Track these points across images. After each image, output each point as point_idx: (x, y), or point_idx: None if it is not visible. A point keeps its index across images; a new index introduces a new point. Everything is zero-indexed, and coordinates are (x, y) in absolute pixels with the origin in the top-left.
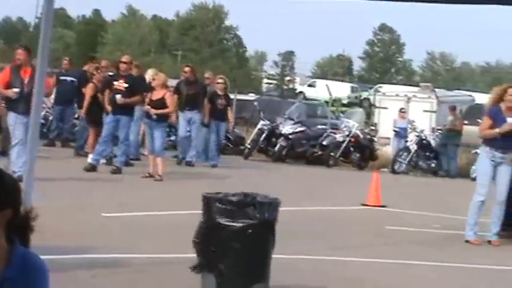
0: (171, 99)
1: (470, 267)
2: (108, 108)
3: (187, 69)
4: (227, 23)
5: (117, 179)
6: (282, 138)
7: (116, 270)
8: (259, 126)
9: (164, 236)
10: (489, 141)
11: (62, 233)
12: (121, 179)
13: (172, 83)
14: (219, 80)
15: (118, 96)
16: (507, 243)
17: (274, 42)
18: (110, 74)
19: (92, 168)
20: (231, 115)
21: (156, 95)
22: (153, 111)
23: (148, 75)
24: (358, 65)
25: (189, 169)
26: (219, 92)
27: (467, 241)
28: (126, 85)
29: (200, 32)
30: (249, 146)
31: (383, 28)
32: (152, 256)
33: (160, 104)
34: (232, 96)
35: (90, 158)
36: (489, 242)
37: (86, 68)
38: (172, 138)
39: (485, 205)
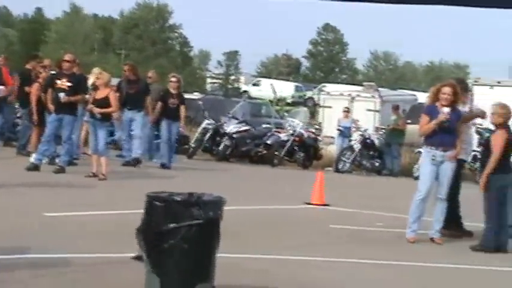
0: (114, 99)
1: (412, 265)
2: (51, 107)
3: (126, 67)
4: (171, 21)
5: (61, 178)
6: (226, 137)
7: (58, 270)
8: (203, 125)
9: (107, 235)
10: (430, 140)
11: (2, 233)
12: (64, 178)
13: (116, 82)
14: (172, 79)
15: (61, 95)
16: (450, 242)
17: (219, 41)
18: (53, 72)
19: (35, 167)
20: (183, 114)
21: (100, 94)
22: (96, 110)
23: (93, 74)
24: (302, 65)
25: (133, 168)
26: (172, 91)
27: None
28: (69, 84)
29: (143, 31)
30: (193, 145)
31: (326, 28)
32: (95, 256)
33: (104, 103)
34: None
35: (32, 158)
36: (432, 239)
37: (28, 66)
38: (116, 137)
39: (426, 204)
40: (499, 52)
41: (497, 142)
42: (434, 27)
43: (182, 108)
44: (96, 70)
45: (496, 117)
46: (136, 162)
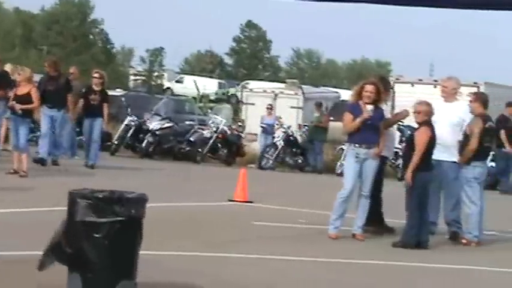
0: (36, 95)
1: (334, 261)
2: None
3: (47, 63)
4: (93, 17)
5: None
6: (149, 134)
7: None
8: (126, 122)
9: (29, 233)
10: (353, 138)
11: None
12: None
13: (38, 78)
14: (95, 75)
15: None
16: (371, 238)
17: (142, 38)
18: None
19: None
20: (107, 112)
21: (22, 90)
22: (18, 106)
23: (8, 69)
24: (225, 62)
25: (55, 166)
26: (95, 87)
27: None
28: None
29: (64, 26)
30: (116, 142)
31: (249, 25)
32: (17, 254)
33: (26, 99)
34: None
35: None
36: (354, 236)
37: None
38: (38, 134)
39: (349, 201)
40: (420, 49)
41: (421, 139)
42: (356, 24)
43: (105, 106)
44: (9, 66)
45: (418, 115)
46: (41, 162)
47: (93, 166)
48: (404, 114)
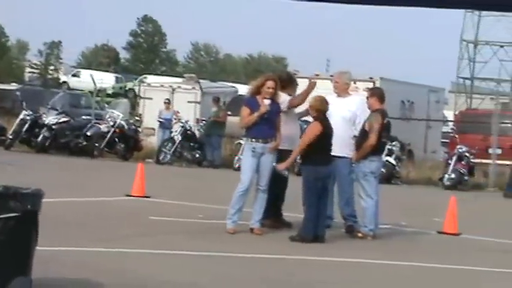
0: None
1: (232, 255)
2: None
3: None
4: None
5: None
6: (45, 128)
7: None
8: (21, 116)
9: None
10: (251, 132)
11: None
12: None
13: None
14: None
15: None
16: (269, 232)
17: (38, 31)
18: None
19: None
20: None
21: None
22: None
23: None
24: (122, 56)
25: None
26: None
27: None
28: None
29: None
30: (11, 137)
31: (146, 19)
32: None
33: None
34: None
35: None
36: (252, 230)
37: None
38: None
39: (247, 195)
40: (316, 45)
41: (308, 133)
42: (254, 19)
43: None
44: None
45: (312, 110)
46: None
47: None
48: (312, 85)
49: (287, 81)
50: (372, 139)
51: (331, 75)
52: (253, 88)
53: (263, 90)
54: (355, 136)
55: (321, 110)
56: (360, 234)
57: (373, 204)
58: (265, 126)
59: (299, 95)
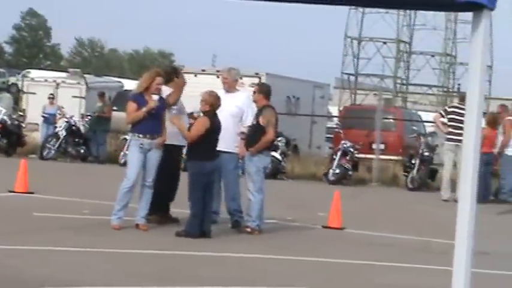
0: None
1: (117, 252)
2: None
3: None
4: None
5: None
6: None
7: None
8: None
9: None
10: (138, 128)
11: None
12: None
13: None
14: None
15: None
16: (155, 228)
17: None
18: None
19: None
20: None
21: None
22: None
23: None
24: (5, 50)
25: None
26: None
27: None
28: None
29: None
30: None
31: (30, 13)
32: None
33: None
34: None
35: None
36: (137, 226)
37: None
38: None
39: (132, 191)
40: (202, 40)
41: (196, 127)
42: (139, 14)
43: None
44: None
45: (206, 104)
46: None
47: None
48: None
49: (172, 76)
50: (271, 134)
51: (218, 71)
52: (143, 84)
53: (152, 86)
54: (242, 132)
55: (213, 106)
56: (248, 229)
57: (261, 199)
58: (153, 122)
59: (172, 94)
